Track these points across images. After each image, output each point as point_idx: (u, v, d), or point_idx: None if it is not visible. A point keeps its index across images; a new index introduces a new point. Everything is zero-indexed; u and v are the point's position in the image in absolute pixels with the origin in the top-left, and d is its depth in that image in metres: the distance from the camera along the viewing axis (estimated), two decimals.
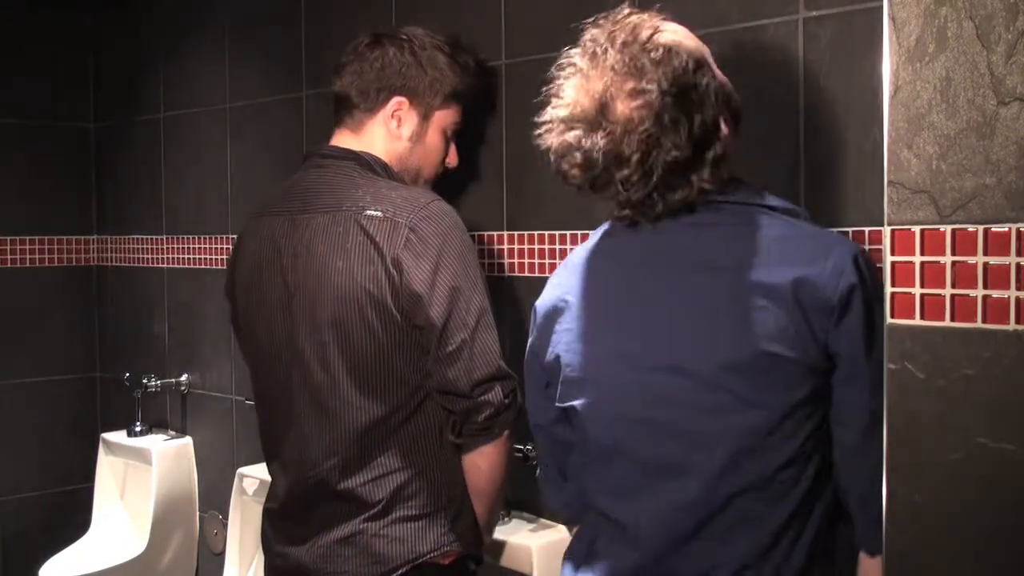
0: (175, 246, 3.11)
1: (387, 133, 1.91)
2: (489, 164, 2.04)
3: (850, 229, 1.62)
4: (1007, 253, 0.93)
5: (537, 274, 2.09)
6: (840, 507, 1.36)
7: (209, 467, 3.03)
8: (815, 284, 1.25)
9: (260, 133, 2.79)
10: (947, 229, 0.97)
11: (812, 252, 1.27)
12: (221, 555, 2.83)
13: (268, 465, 1.93)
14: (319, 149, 1.92)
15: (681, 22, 1.41)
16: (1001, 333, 0.94)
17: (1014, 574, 0.94)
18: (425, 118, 1.94)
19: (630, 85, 1.27)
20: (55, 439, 3.42)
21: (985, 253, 0.95)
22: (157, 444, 3.02)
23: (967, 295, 0.96)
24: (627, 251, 1.40)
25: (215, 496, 2.98)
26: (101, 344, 3.49)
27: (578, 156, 1.29)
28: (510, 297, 2.15)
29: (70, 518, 3.30)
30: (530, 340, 1.52)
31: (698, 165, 1.30)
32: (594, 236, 1.49)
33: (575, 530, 1.54)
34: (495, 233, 2.19)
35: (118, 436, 3.15)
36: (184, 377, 3.09)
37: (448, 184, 2.07)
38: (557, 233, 2.06)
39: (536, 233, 2.11)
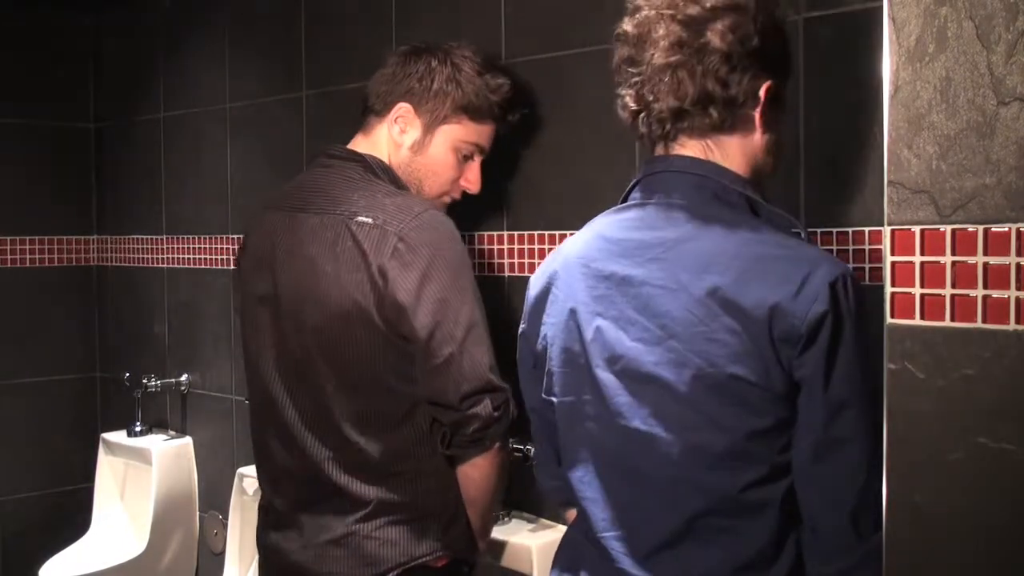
0: (175, 246, 3.11)
1: (390, 139, 1.90)
2: (489, 164, 2.03)
3: (850, 229, 1.62)
4: (1007, 253, 0.93)
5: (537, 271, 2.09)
6: None
7: (209, 467, 3.03)
8: (786, 311, 1.20)
9: (260, 133, 2.79)
10: (947, 229, 0.97)
11: (791, 274, 1.22)
12: (221, 555, 2.83)
13: (257, 463, 1.94)
14: (328, 148, 1.91)
15: None
16: (1001, 333, 0.94)
17: (1014, 574, 0.94)
18: (429, 128, 1.90)
19: None
20: (55, 439, 3.42)
21: (985, 253, 0.95)
22: (157, 444, 3.02)
23: (967, 295, 0.96)
24: (617, 239, 1.38)
25: (215, 496, 2.98)
26: (101, 344, 3.49)
27: None
28: (510, 297, 2.15)
29: (70, 518, 3.30)
30: (521, 326, 1.51)
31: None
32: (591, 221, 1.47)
33: (567, 529, 1.53)
34: (495, 233, 2.19)
35: (118, 436, 3.15)
36: (184, 377, 3.09)
37: None
38: (557, 233, 2.06)
39: (536, 233, 2.11)
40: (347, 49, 2.49)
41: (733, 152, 1.35)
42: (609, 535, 1.35)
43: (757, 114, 1.33)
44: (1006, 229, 0.93)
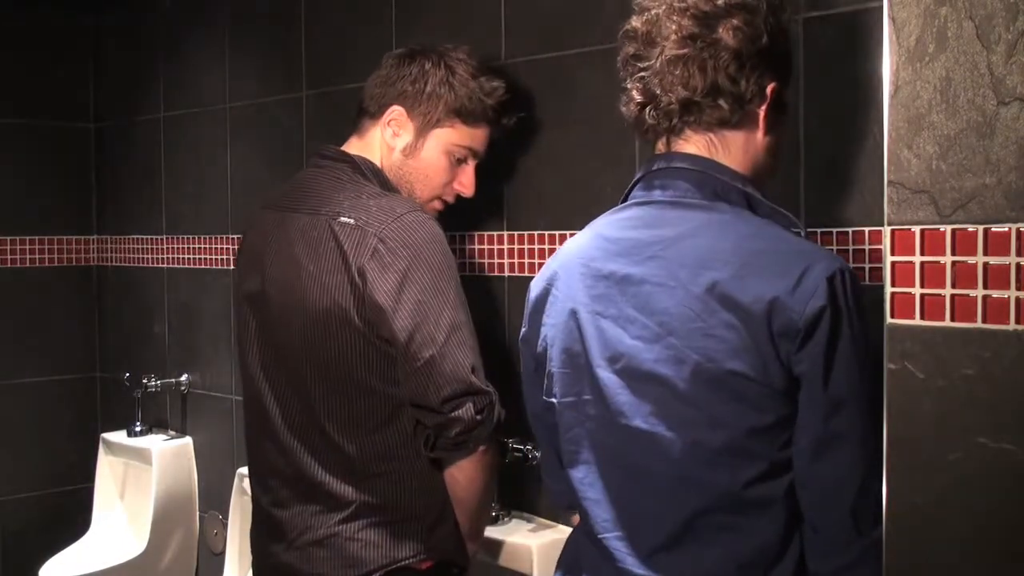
0: (175, 246, 3.11)
1: (383, 141, 1.89)
2: (489, 165, 2.03)
3: (850, 229, 1.62)
4: (1007, 253, 0.93)
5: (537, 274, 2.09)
6: None
7: (209, 467, 3.03)
8: (785, 305, 1.20)
9: (260, 133, 2.79)
10: (947, 229, 0.97)
11: (789, 268, 1.22)
12: (221, 555, 2.83)
13: (248, 461, 1.94)
14: (322, 149, 1.91)
15: None
16: (1001, 333, 0.94)
17: (1014, 574, 0.94)
18: (422, 132, 1.89)
19: None
20: (55, 439, 3.42)
21: (985, 253, 0.95)
22: (157, 444, 3.02)
23: (967, 295, 0.96)
24: (615, 238, 1.38)
25: (215, 496, 2.98)
26: (101, 344, 3.49)
27: None
28: (510, 297, 2.15)
29: (70, 518, 3.30)
30: (522, 330, 1.51)
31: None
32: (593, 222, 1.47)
33: (571, 532, 1.52)
34: (495, 233, 2.19)
35: (118, 436, 3.14)
36: (184, 377, 3.09)
37: None
38: (557, 233, 2.06)
39: (536, 233, 2.11)
40: (347, 49, 2.49)
41: (736, 149, 1.35)
42: (611, 535, 1.35)
43: (762, 112, 1.34)
44: (1006, 229, 0.93)
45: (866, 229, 1.60)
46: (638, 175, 1.40)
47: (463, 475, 1.75)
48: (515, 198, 2.15)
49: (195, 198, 3.04)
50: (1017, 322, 0.93)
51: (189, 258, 3.06)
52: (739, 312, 1.23)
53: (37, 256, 3.38)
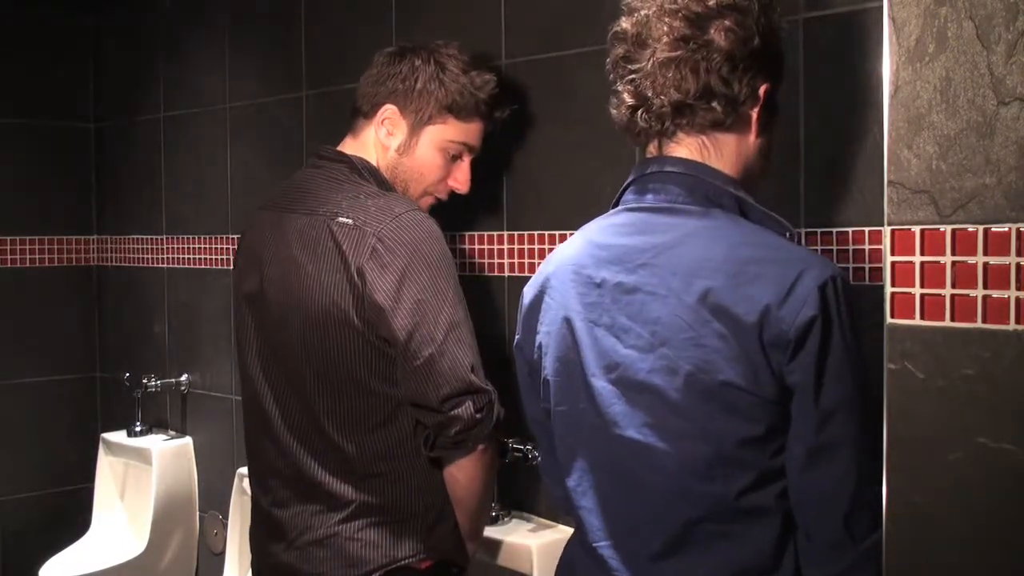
0: (175, 246, 3.11)
1: (377, 141, 1.89)
2: (488, 164, 2.03)
3: (850, 229, 1.62)
4: (1007, 253, 0.93)
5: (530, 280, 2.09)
6: None
7: (209, 467, 3.03)
8: (775, 316, 1.20)
9: (260, 133, 2.79)
10: (947, 229, 0.97)
11: (780, 277, 1.21)
12: (221, 555, 2.83)
13: (248, 461, 1.94)
14: (320, 150, 1.91)
15: None
16: (1001, 333, 0.94)
17: (1014, 574, 0.94)
18: (414, 129, 1.89)
19: None
20: (55, 439, 3.42)
21: (985, 253, 0.95)
22: (157, 444, 3.02)
23: (967, 295, 0.96)
24: (607, 245, 1.36)
25: (215, 496, 2.98)
26: (101, 344, 3.49)
27: None
28: (510, 297, 2.15)
29: (70, 518, 3.30)
30: (516, 336, 1.49)
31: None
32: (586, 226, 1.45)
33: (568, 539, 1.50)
34: (495, 233, 2.19)
35: (118, 436, 3.14)
36: (184, 377, 3.09)
37: None
38: (557, 233, 2.06)
39: (536, 233, 2.11)
40: (347, 49, 2.49)
41: (728, 151, 1.34)
42: (604, 544, 1.35)
43: (755, 114, 1.33)
44: (1006, 229, 0.93)
45: (866, 229, 1.60)
46: (629, 179, 1.39)
47: (463, 474, 1.75)
48: (514, 198, 2.15)
49: (195, 198, 3.04)
50: (1017, 322, 0.93)
51: (189, 258, 3.06)
52: (730, 322, 1.22)
53: (37, 256, 3.38)
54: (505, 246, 2.17)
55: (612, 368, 1.31)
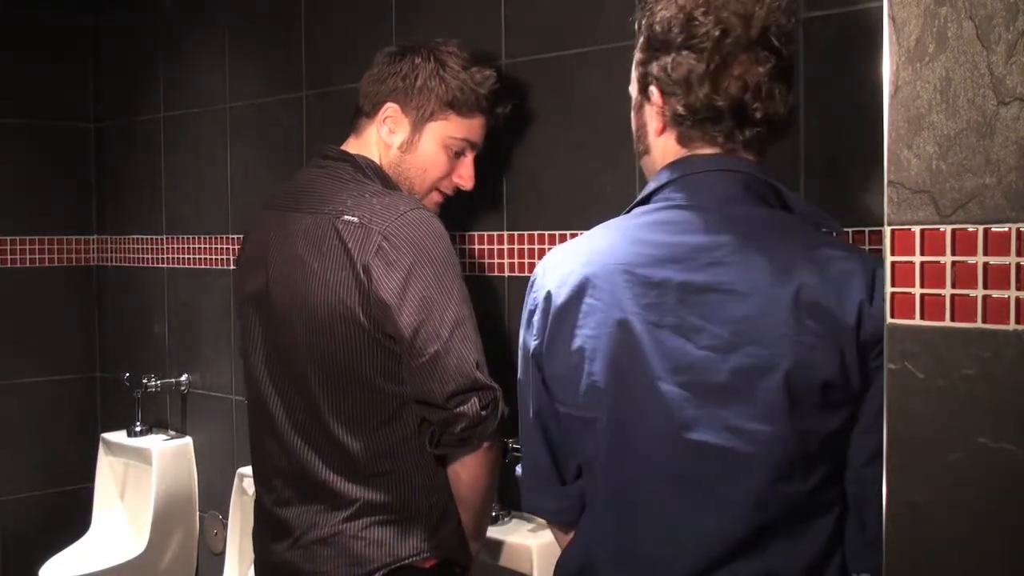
0: (175, 246, 3.11)
1: (379, 139, 1.90)
2: (489, 164, 2.03)
3: (850, 229, 1.62)
4: (1007, 253, 0.93)
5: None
6: None
7: (209, 467, 3.03)
8: (869, 313, 1.21)
9: (260, 133, 2.79)
10: (947, 229, 0.96)
11: (864, 275, 1.22)
12: (221, 555, 2.83)
13: (251, 460, 1.94)
14: (323, 149, 1.92)
15: None
16: (1001, 333, 0.93)
17: (1014, 574, 0.94)
18: (416, 126, 1.89)
19: None
20: (55, 439, 3.42)
21: (985, 253, 0.94)
22: (157, 444, 3.02)
23: (967, 295, 0.95)
24: (660, 243, 1.31)
25: (215, 496, 2.98)
26: (101, 344, 3.50)
27: None
28: (510, 297, 2.15)
29: (70, 518, 3.31)
30: (532, 341, 1.40)
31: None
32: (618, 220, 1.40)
33: (567, 543, 1.46)
34: (495, 233, 2.19)
35: (118, 436, 3.15)
36: (184, 377, 3.09)
37: None
38: (557, 233, 2.06)
39: (536, 233, 2.11)
40: (347, 49, 2.49)
41: (761, 150, 1.36)
42: (655, 553, 1.30)
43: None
44: (1006, 229, 0.93)
45: (866, 229, 1.60)
46: (670, 176, 1.34)
47: (467, 472, 1.75)
48: (515, 198, 2.15)
49: (195, 198, 3.04)
50: (1017, 322, 0.93)
51: (189, 258, 3.06)
52: (828, 320, 1.21)
53: (37, 256, 3.38)
54: (505, 246, 2.17)
55: (681, 370, 1.27)
